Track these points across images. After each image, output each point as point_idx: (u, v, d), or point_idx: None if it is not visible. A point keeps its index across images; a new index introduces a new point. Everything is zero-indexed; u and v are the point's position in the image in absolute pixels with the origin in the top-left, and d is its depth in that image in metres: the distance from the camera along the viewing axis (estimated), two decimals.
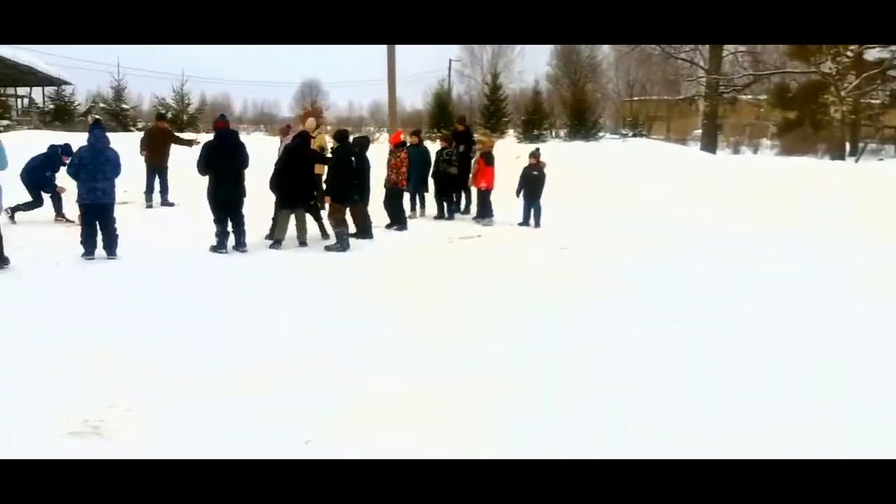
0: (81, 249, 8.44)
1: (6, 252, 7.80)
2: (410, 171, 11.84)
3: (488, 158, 12.31)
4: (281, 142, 13.23)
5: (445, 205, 12.87)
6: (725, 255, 9.40)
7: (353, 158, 9.97)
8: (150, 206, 12.66)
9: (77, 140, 8.66)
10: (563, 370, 5.06)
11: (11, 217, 10.49)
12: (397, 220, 11.43)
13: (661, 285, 7.67)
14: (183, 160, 12.57)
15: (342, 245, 9.51)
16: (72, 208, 10.52)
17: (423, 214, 12.86)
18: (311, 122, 12.61)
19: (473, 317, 6.39)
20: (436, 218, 12.68)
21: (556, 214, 12.35)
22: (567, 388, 4.72)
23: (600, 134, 29.97)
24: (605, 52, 50.25)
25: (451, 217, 12.77)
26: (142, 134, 14.94)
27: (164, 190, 13.02)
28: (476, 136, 13.94)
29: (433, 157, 12.89)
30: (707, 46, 27.25)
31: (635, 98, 46.27)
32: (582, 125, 28.53)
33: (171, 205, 12.88)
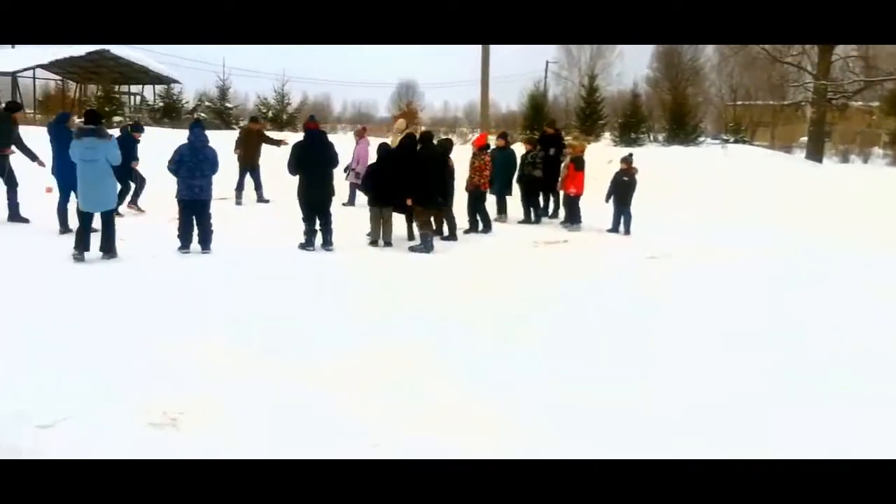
0: (178, 242, 8.79)
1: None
2: (494, 174, 11.77)
3: (578, 163, 12.06)
4: (357, 143, 13.43)
5: (532, 209, 12.74)
6: (824, 270, 8.95)
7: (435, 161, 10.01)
8: (239, 204, 13.12)
9: (184, 137, 9.03)
10: (646, 383, 4.93)
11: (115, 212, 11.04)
12: (479, 223, 11.39)
13: (748, 299, 7.38)
14: (274, 159, 13.01)
15: (426, 246, 9.57)
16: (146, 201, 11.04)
17: (504, 220, 12.66)
18: (400, 122, 12.78)
19: (553, 324, 6.30)
20: (521, 222, 12.53)
21: (648, 221, 12.09)
22: (649, 404, 4.60)
23: (700, 139, 29.07)
24: (708, 55, 48.80)
25: (537, 221, 12.64)
26: (237, 133, 15.49)
27: (258, 187, 13.53)
28: (567, 140, 13.72)
29: (519, 161, 12.78)
30: (816, 50, 26.02)
31: (739, 102, 44.69)
32: (681, 129, 27.72)
33: (267, 201, 13.34)
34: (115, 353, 5.10)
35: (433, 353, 5.41)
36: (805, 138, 30.55)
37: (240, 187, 13.36)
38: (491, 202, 12.07)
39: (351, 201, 13.33)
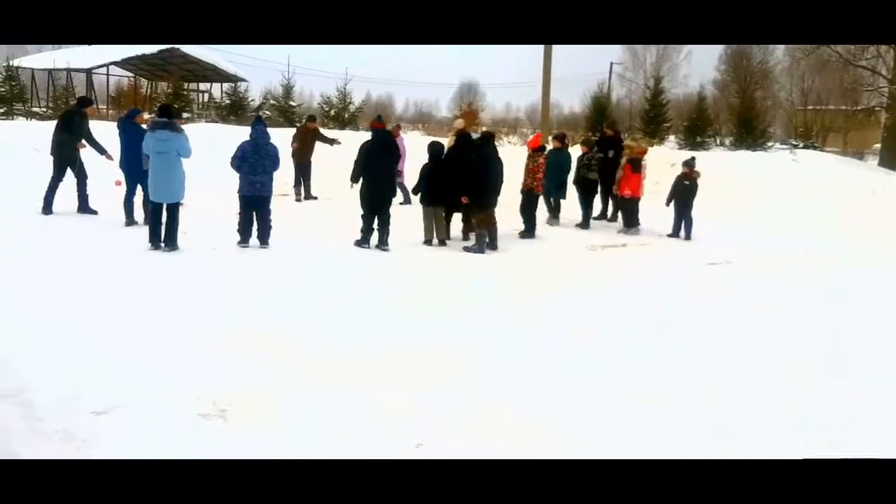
0: (238, 237, 8.95)
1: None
2: (547, 176, 11.55)
3: (635, 165, 11.76)
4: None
5: (587, 212, 12.40)
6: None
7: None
8: (299, 200, 13.37)
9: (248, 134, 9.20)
10: (694, 394, 4.80)
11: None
12: (531, 225, 11.23)
13: (811, 313, 7.11)
14: (331, 158, 13.20)
15: (480, 247, 9.57)
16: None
17: (556, 224, 12.30)
18: (458, 122, 12.76)
19: (604, 330, 6.19)
20: (578, 225, 12.24)
21: (710, 227, 11.84)
22: (697, 416, 4.48)
23: (769, 144, 28.33)
24: (778, 58, 47.58)
25: (586, 226, 12.18)
26: (294, 130, 15.73)
27: (306, 183, 13.81)
28: (626, 142, 13.45)
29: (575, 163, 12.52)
30: (891, 53, 25.04)
31: (809, 107, 43.36)
32: (749, 134, 27.08)
33: (315, 198, 13.61)
34: (171, 343, 5.21)
35: (481, 355, 5.38)
36: (879, 145, 29.50)
37: (298, 184, 13.62)
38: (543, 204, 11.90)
39: (407, 200, 13.41)
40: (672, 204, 11.72)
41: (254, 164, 8.81)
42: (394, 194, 9.50)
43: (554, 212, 12.45)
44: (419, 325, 6.02)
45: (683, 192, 11.55)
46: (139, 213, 9.71)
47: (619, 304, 7.10)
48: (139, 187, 9.65)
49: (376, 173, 9.32)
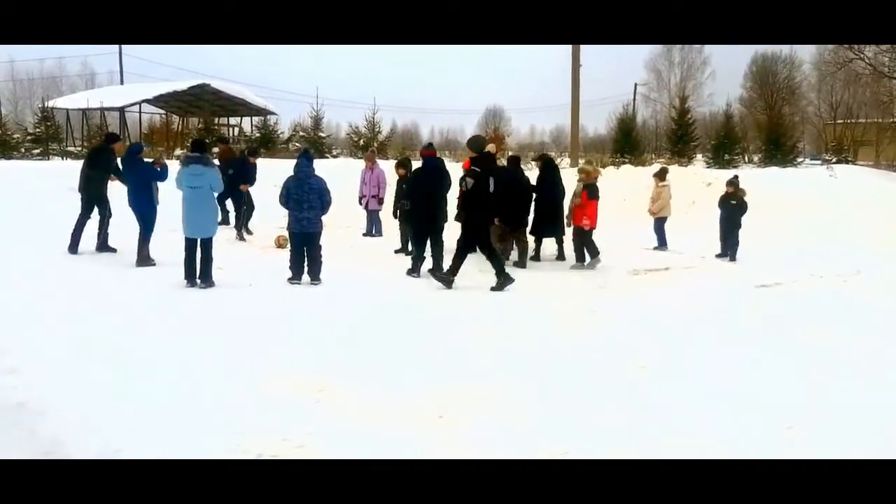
0: (274, 272, 8.86)
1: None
2: None
3: (592, 191, 10.56)
4: (371, 170, 12.90)
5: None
6: None
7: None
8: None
9: (278, 165, 9.13)
10: (759, 434, 4.55)
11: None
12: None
13: (878, 337, 6.83)
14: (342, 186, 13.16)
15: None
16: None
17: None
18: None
19: (661, 362, 5.92)
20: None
21: (752, 247, 11.58)
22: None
23: (798, 159, 27.95)
24: (806, 73, 47.16)
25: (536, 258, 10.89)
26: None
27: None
28: (580, 165, 12.82)
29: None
30: None
31: (839, 121, 42.67)
32: (778, 150, 26.73)
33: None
34: (209, 385, 5.04)
35: (535, 388, 5.17)
36: None
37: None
38: None
39: (370, 231, 12.92)
40: (719, 225, 11.48)
41: (298, 199, 8.60)
42: (444, 220, 9.37)
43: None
44: (462, 363, 5.80)
45: (731, 213, 11.27)
46: (156, 252, 9.49)
47: (675, 334, 6.82)
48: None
49: (424, 201, 9.26)
